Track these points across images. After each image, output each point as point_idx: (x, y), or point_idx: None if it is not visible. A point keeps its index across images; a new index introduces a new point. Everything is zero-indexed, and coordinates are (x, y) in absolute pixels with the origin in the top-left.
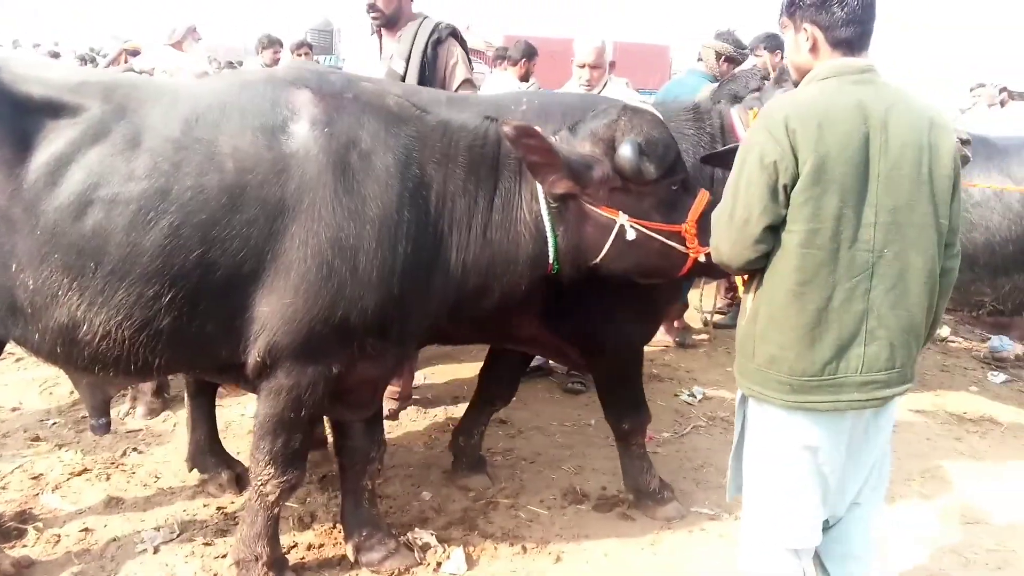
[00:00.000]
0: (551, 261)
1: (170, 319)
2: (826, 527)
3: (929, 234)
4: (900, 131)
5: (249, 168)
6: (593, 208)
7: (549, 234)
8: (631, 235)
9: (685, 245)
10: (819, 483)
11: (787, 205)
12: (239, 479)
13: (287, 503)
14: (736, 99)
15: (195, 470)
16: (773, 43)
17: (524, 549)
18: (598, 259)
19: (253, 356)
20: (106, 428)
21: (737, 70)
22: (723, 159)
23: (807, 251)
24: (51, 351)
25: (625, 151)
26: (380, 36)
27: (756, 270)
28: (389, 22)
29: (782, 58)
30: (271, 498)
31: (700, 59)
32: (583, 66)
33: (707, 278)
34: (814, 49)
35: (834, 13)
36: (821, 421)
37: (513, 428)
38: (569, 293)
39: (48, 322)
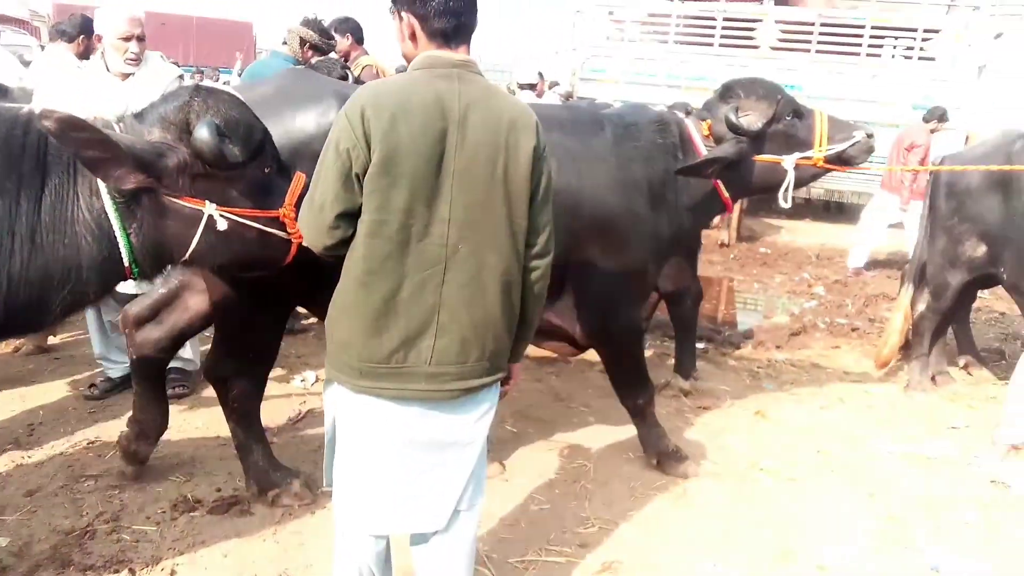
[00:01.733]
0: (126, 263)
1: None
2: (426, 538)
3: (504, 234)
4: (477, 129)
5: None
6: (174, 200)
7: (119, 233)
8: (222, 225)
9: (286, 231)
10: (389, 471)
11: (363, 194)
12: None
13: None
14: None
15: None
16: (344, 26)
17: (132, 572)
18: (187, 255)
19: None
20: None
21: (320, 59)
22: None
23: (374, 241)
24: None
25: (202, 133)
26: None
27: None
28: None
29: (353, 41)
30: None
31: (285, 42)
32: (128, 39)
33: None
34: (413, 38)
35: (428, 3)
36: (388, 408)
37: (107, 447)
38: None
39: None
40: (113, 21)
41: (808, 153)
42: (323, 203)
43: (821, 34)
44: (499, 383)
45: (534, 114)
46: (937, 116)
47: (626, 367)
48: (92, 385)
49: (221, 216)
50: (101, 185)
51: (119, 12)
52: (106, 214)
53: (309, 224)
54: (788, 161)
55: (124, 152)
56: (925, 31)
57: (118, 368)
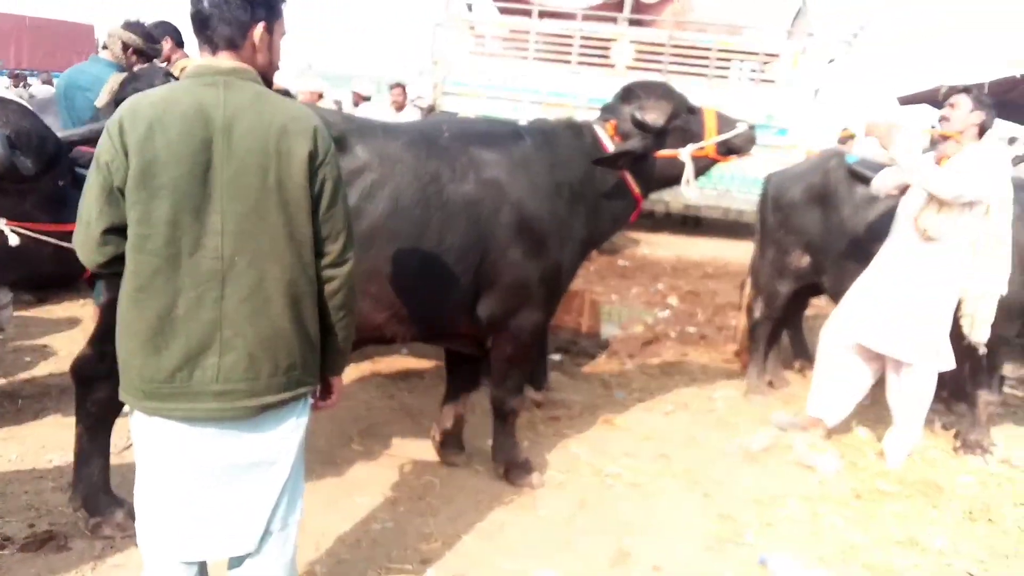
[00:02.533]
0: None
1: None
2: (240, 561)
3: (284, 243)
4: (244, 137)
5: None
6: None
7: None
8: (14, 240)
9: None
10: (187, 494)
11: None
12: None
13: None
14: None
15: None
16: (161, 29)
17: None
18: None
19: None
20: None
21: (144, 66)
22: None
23: (140, 256)
24: None
25: None
26: None
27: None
28: None
29: (173, 44)
30: None
31: (105, 47)
32: None
33: None
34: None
35: (194, 13)
36: (180, 430)
37: None
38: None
39: None
40: None
41: (701, 144)
42: (89, 219)
43: (672, 55)
44: (309, 397)
45: (314, 119)
46: None
47: (517, 366)
48: None
49: (12, 231)
50: None
51: None
52: None
53: (79, 241)
54: (684, 153)
55: None
56: (766, 55)
57: None
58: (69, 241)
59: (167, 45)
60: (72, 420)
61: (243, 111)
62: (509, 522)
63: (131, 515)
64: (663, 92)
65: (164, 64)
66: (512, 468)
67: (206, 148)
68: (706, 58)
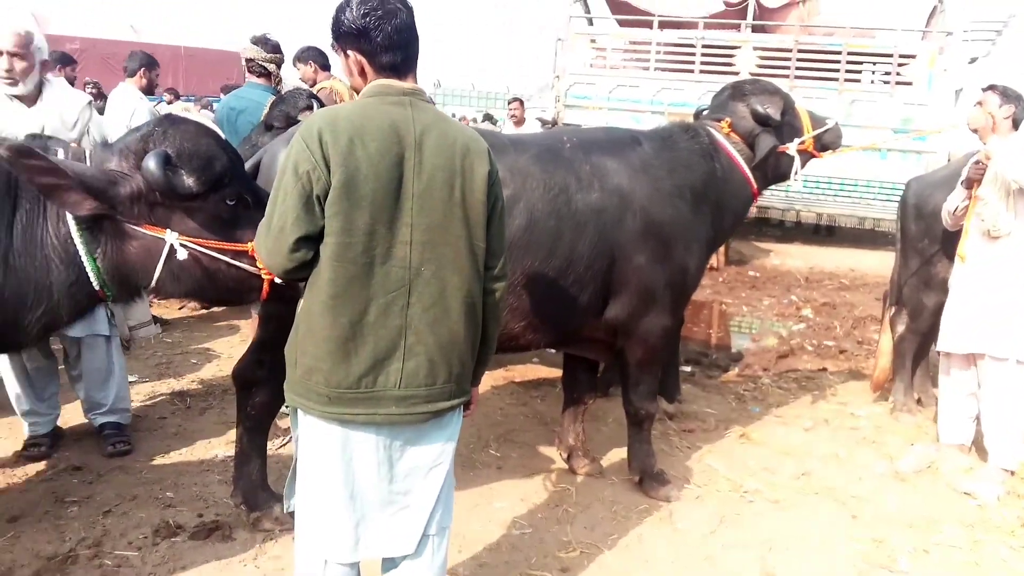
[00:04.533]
0: (96, 286)
1: None
2: (396, 563)
3: (465, 255)
4: (433, 153)
5: None
6: (134, 227)
7: (85, 258)
8: (182, 255)
9: (256, 265)
10: (357, 497)
11: (324, 216)
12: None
13: None
14: (290, 119)
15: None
16: (306, 55)
17: None
18: (152, 282)
19: None
20: None
21: (289, 90)
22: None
23: (338, 264)
24: None
25: (148, 163)
26: None
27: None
28: None
29: (317, 67)
30: None
31: (256, 72)
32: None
33: None
34: (363, 74)
35: (373, 40)
36: (358, 433)
37: (91, 473)
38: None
39: None
40: None
41: (803, 138)
42: (282, 226)
43: (799, 60)
44: (463, 407)
45: (484, 141)
46: None
47: (650, 370)
48: (32, 445)
49: (182, 246)
50: (68, 214)
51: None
52: (72, 239)
53: (269, 248)
54: (792, 146)
55: (72, 179)
56: (901, 56)
57: (46, 422)
58: (243, 260)
59: (310, 69)
60: (232, 418)
61: (430, 129)
62: (647, 534)
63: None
64: (772, 88)
65: (308, 85)
66: (647, 478)
67: (400, 163)
68: (836, 62)
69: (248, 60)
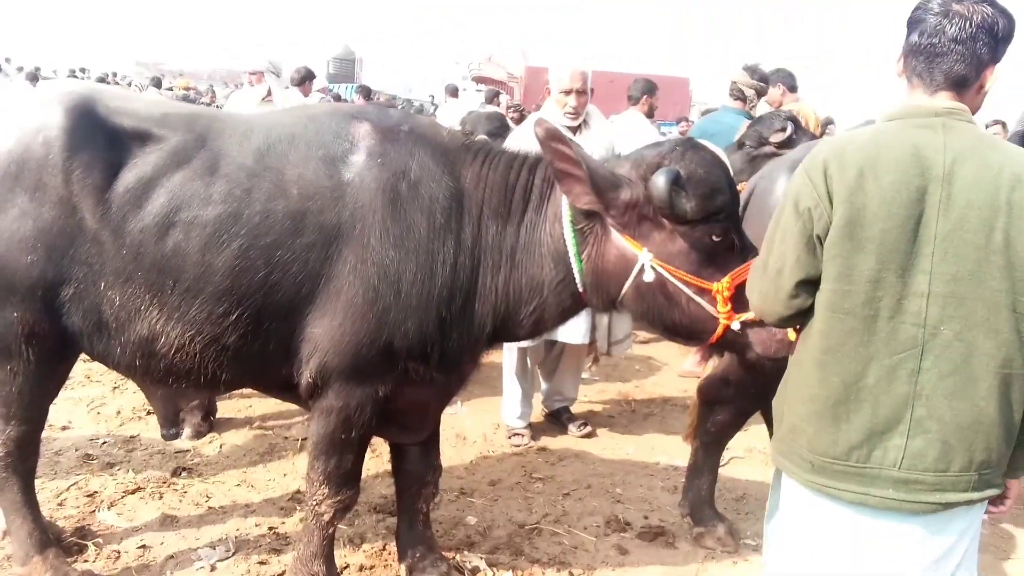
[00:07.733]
0: (580, 287)
1: (236, 336)
2: None
3: (1002, 314)
4: (967, 187)
5: (310, 195)
6: (617, 234)
7: (573, 258)
8: (649, 276)
9: (716, 308)
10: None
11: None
12: (733, 530)
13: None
14: (762, 140)
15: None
16: (776, 76)
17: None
18: (621, 295)
19: (306, 376)
20: (175, 436)
21: (759, 113)
22: None
23: (832, 315)
24: (130, 364)
25: (657, 178)
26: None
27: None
28: None
29: (785, 90)
30: (325, 518)
31: (735, 95)
32: (568, 92)
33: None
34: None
35: (910, 38)
36: (846, 514)
37: (553, 456)
38: None
39: (130, 336)
40: (557, 74)
41: None
42: (780, 268)
43: None
44: (986, 503)
45: None
46: None
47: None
48: (515, 435)
49: (652, 267)
50: (563, 214)
51: (564, 66)
52: (563, 239)
53: (764, 292)
54: None
55: (585, 171)
56: None
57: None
58: (703, 298)
59: (778, 91)
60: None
61: (965, 157)
62: None
63: (731, 533)
64: None
65: (774, 107)
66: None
67: (920, 198)
68: None
69: (732, 82)
